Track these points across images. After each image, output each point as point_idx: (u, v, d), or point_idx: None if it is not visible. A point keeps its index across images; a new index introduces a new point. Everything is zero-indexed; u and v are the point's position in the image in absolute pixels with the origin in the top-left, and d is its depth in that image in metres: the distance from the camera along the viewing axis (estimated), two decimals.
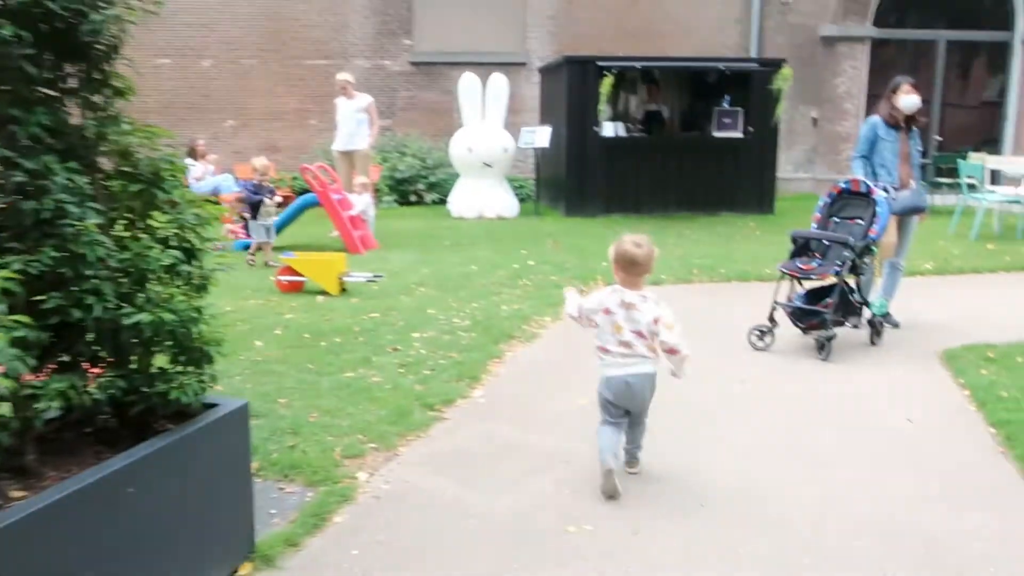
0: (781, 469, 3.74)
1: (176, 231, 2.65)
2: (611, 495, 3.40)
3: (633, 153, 12.70)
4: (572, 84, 12.27)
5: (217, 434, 2.69)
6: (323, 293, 7.06)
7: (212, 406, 2.74)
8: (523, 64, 15.96)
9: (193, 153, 12.70)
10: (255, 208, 8.70)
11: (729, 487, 3.55)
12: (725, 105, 13.31)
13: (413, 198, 14.72)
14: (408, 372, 5.00)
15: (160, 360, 2.64)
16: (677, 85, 14.54)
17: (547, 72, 14.12)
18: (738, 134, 12.79)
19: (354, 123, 11.06)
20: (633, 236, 3.53)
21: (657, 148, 12.89)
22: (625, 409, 3.51)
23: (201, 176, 12.63)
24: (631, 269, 3.47)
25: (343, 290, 7.19)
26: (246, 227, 9.43)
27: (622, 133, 12.97)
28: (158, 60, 15.18)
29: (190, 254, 2.65)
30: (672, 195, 12.68)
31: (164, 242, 2.62)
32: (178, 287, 2.61)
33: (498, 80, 12.81)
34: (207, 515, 2.65)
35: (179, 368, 2.63)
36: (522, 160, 14.88)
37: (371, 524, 3.21)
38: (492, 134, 12.69)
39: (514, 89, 15.94)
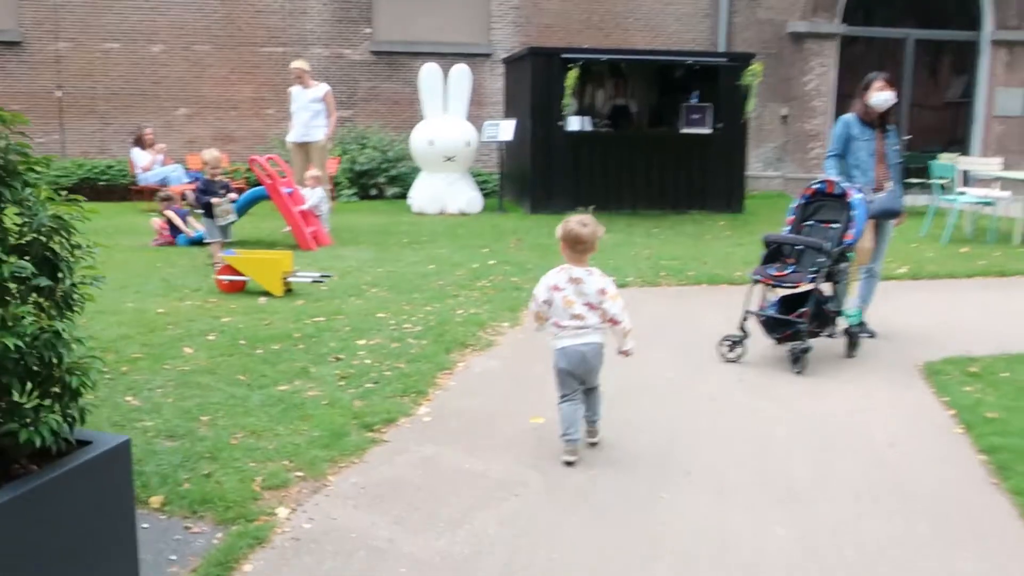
0: (753, 506, 3.36)
1: (34, 236, 2.20)
2: (571, 461, 3.67)
3: (600, 149, 12.34)
4: (536, 76, 11.86)
5: (91, 476, 2.24)
6: (266, 294, 6.59)
7: (87, 443, 2.29)
8: (487, 55, 15.52)
9: (140, 141, 12.12)
10: (207, 208, 7.80)
11: (695, 528, 3.17)
12: (693, 101, 12.98)
13: (374, 192, 14.22)
14: (349, 385, 4.56)
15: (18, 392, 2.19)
16: (645, 79, 14.18)
17: (511, 64, 13.70)
18: (707, 130, 12.47)
19: (310, 113, 10.50)
20: (579, 216, 3.76)
21: (624, 144, 12.53)
22: (580, 379, 3.75)
23: (148, 166, 12.05)
24: (576, 247, 3.71)
25: (288, 291, 6.73)
26: (171, 227, 9.01)
27: (588, 128, 12.59)
28: (106, 44, 14.52)
29: (51, 265, 2.19)
30: (640, 192, 12.33)
31: (19, 250, 2.17)
32: (36, 304, 2.16)
33: (461, 71, 12.37)
34: (78, 571, 2.21)
35: (35, 402, 2.18)
36: (487, 154, 14.45)
37: (285, 574, 2.78)
38: (454, 127, 12.25)
39: (478, 81, 15.51)
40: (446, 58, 13.19)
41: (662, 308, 6.73)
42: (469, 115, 13.34)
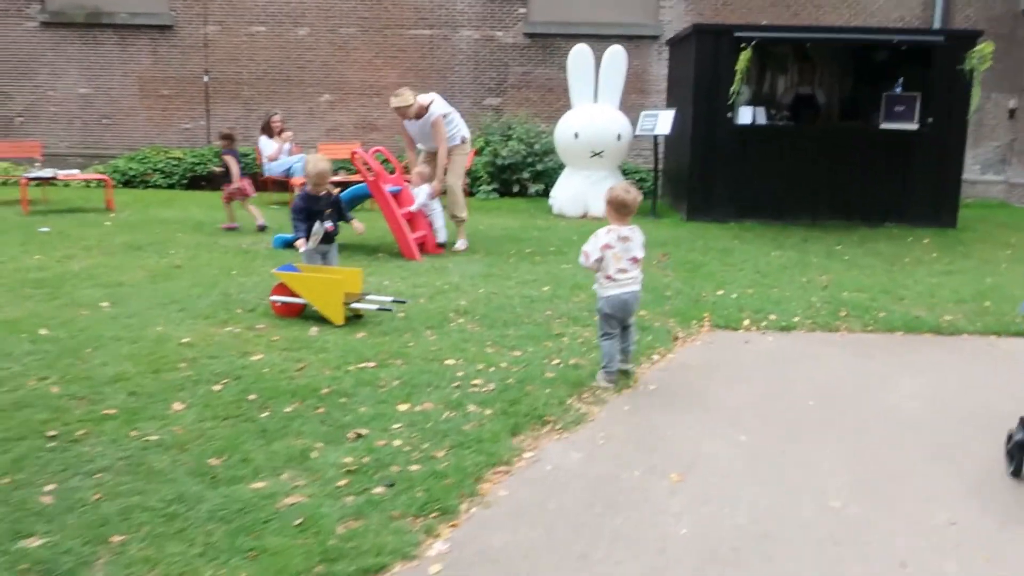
0: None
1: None
2: (611, 385, 4.36)
3: (776, 146, 10.37)
4: (701, 59, 10.06)
5: None
6: (325, 321, 5.34)
7: None
8: (655, 38, 13.80)
9: (268, 129, 11.35)
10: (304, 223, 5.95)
11: None
12: (897, 90, 10.72)
13: (516, 188, 12.89)
14: (350, 488, 3.17)
15: None
16: (837, 63, 11.99)
17: (675, 45, 11.90)
18: (912, 126, 10.21)
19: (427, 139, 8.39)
20: (623, 183, 4.52)
21: (807, 140, 10.46)
22: (622, 320, 4.41)
23: (275, 155, 11.27)
24: (622, 211, 4.37)
25: (358, 316, 5.46)
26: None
27: (763, 120, 10.65)
28: (253, 28, 14.00)
29: None
30: (823, 200, 10.27)
31: None
32: None
33: (615, 53, 10.76)
34: None
35: None
36: (647, 148, 12.78)
37: None
38: (604, 117, 10.69)
39: (643, 67, 13.85)
40: (607, 40, 11.60)
41: (837, 368, 4.92)
42: (629, 104, 11.75)
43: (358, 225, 6.32)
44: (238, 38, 14.01)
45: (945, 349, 5.42)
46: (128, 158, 13.45)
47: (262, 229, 9.05)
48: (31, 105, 14.25)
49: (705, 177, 10.28)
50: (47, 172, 9.89)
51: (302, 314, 5.49)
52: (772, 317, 5.90)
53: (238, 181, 9.29)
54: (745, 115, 10.40)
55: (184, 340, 4.88)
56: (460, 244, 8.18)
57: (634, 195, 4.36)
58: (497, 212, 11.09)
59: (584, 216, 10.67)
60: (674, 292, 6.56)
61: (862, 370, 4.93)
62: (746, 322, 5.80)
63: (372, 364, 4.57)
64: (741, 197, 10.25)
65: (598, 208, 10.62)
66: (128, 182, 13.06)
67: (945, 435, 3.95)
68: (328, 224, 5.87)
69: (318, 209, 5.89)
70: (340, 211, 6.14)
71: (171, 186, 13.06)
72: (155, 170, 13.13)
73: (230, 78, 14.13)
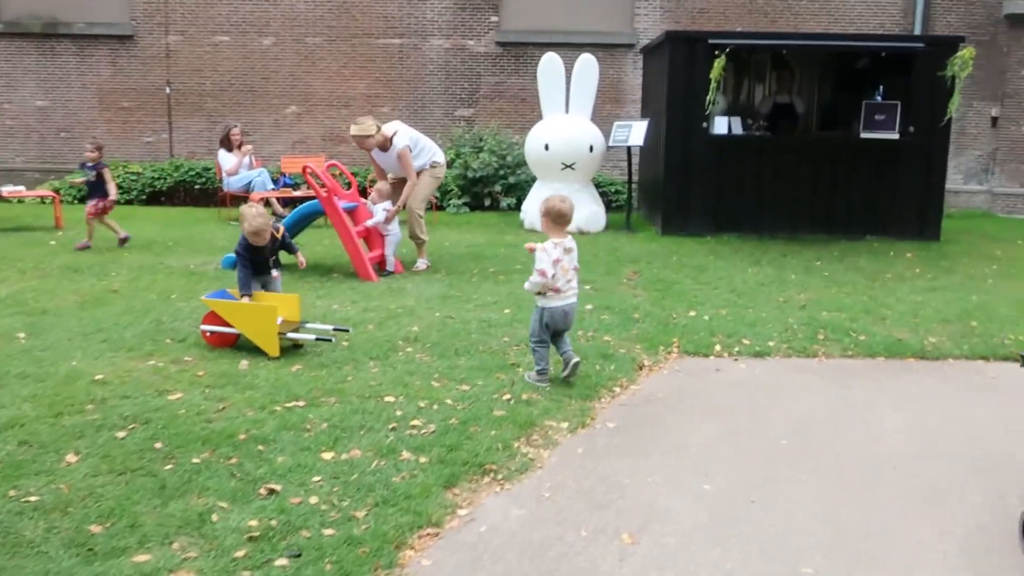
0: None
1: None
2: (546, 384, 4.47)
3: (753, 157, 10.01)
4: (675, 67, 9.70)
5: None
6: (261, 352, 4.91)
7: None
8: (630, 46, 13.45)
9: (227, 142, 10.90)
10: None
11: None
12: (878, 98, 10.41)
13: (488, 202, 12.48)
14: (247, 562, 2.73)
15: None
16: (815, 71, 11.68)
17: (649, 54, 11.56)
18: (893, 135, 9.88)
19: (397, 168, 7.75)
20: (557, 194, 4.57)
21: (785, 151, 10.12)
22: (561, 331, 4.52)
23: (234, 169, 10.83)
24: (560, 221, 4.42)
25: (297, 346, 5.03)
26: None
27: (739, 130, 10.30)
28: (216, 37, 13.55)
29: None
30: (802, 213, 9.92)
31: None
32: None
33: (586, 62, 10.39)
34: None
35: None
36: (622, 159, 12.42)
37: None
38: (575, 129, 10.30)
39: (618, 76, 13.50)
40: (581, 49, 11.22)
41: (814, 399, 4.52)
42: (604, 114, 11.40)
43: (301, 259, 5.77)
44: (201, 48, 13.55)
45: (930, 375, 5.04)
46: (82, 173, 12.93)
47: (125, 240, 8.72)
48: None
49: (680, 189, 9.90)
50: None
51: (236, 344, 5.04)
52: (746, 341, 5.50)
53: (113, 195, 8.84)
54: (721, 125, 10.05)
55: (98, 377, 4.43)
56: (420, 264, 7.75)
57: (570, 204, 4.44)
58: (466, 227, 10.68)
59: None
60: (643, 314, 6.16)
61: (841, 401, 4.54)
62: (717, 347, 5.40)
63: (302, 403, 4.13)
64: (717, 210, 9.88)
65: (571, 223, 10.23)
66: (83, 198, 12.53)
67: (933, 477, 3.56)
68: (275, 272, 5.42)
69: (262, 259, 5.29)
70: (286, 247, 5.64)
71: (129, 202, 12.56)
72: None
73: (193, 89, 13.67)
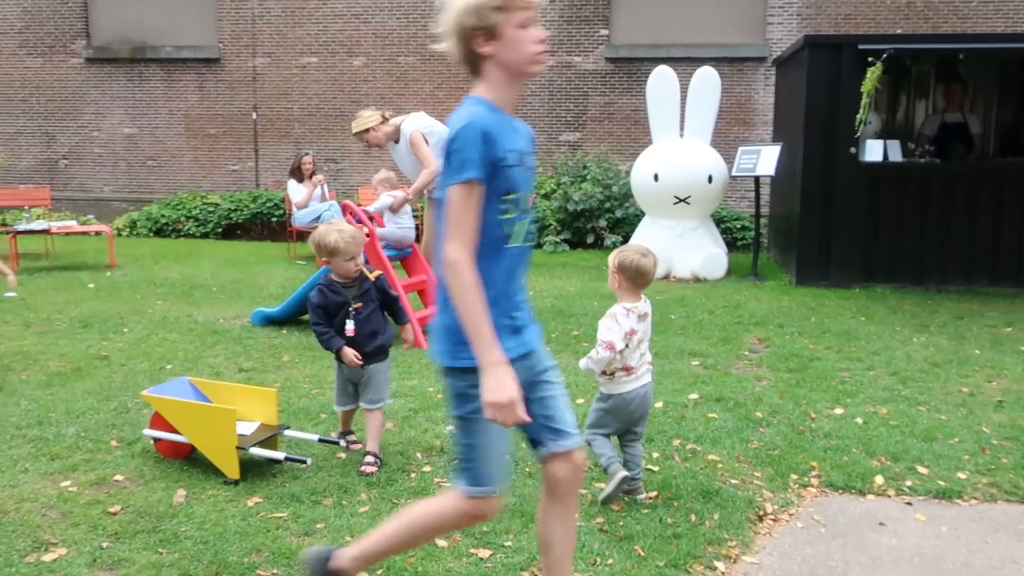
0: None
1: None
2: (610, 502, 3.29)
3: (916, 188, 8.02)
4: (816, 79, 7.90)
5: None
6: (216, 471, 3.53)
7: None
8: (761, 60, 11.67)
9: (298, 172, 9.82)
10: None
11: None
12: None
13: (591, 239, 10.94)
14: None
15: None
16: (994, 83, 9.53)
17: (783, 65, 9.74)
18: None
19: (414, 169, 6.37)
20: (635, 245, 3.44)
21: (957, 181, 8.07)
22: (632, 423, 3.41)
23: (304, 202, 9.72)
24: (639, 280, 3.35)
25: (279, 461, 3.62)
26: None
27: (898, 156, 8.34)
28: (304, 59, 12.63)
29: None
30: (980, 261, 7.88)
31: None
32: None
33: (705, 77, 8.72)
34: None
35: None
36: (750, 189, 10.66)
37: None
38: (691, 156, 8.63)
39: (748, 93, 11.72)
40: (703, 64, 9.54)
41: None
42: (731, 137, 9.68)
43: (410, 335, 3.98)
44: (288, 70, 12.67)
45: None
46: (163, 204, 12.25)
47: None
48: (76, 147, 13.30)
49: (821, 229, 8.05)
50: (38, 224, 8.63)
51: (192, 456, 3.69)
52: (922, 470, 3.73)
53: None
54: (874, 150, 8.13)
55: None
56: None
57: (653, 260, 3.39)
58: (560, 270, 9.16)
59: (667, 278, 8.61)
60: (768, 411, 4.46)
61: None
62: (879, 479, 3.64)
63: None
64: (868, 255, 7.97)
65: (684, 267, 8.57)
66: (159, 230, 11.81)
67: None
68: (349, 326, 3.65)
69: (339, 303, 3.67)
70: (388, 302, 3.82)
71: (205, 235, 11.74)
72: (188, 217, 11.84)
73: (279, 114, 12.79)
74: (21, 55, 13.20)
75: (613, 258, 3.38)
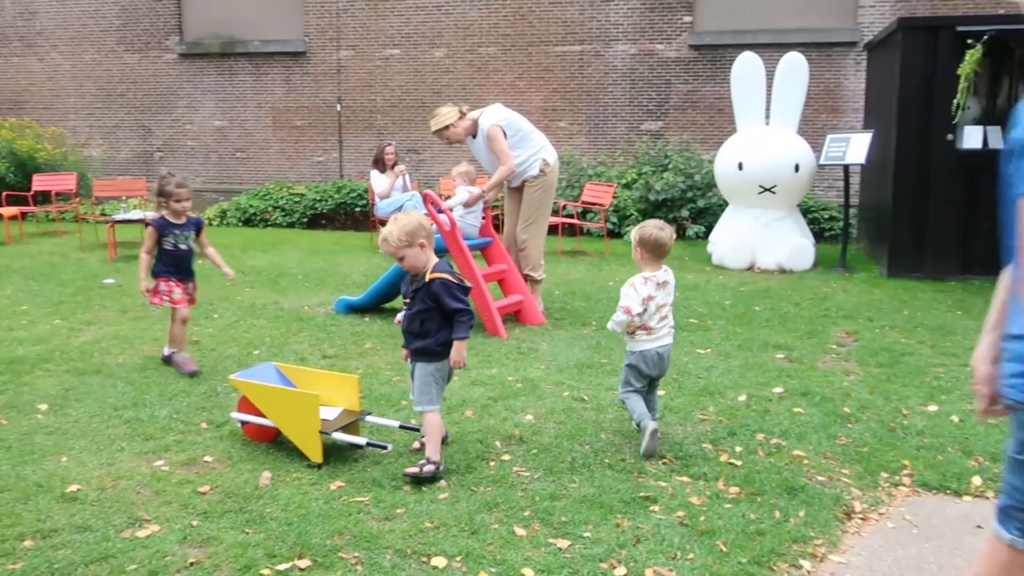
0: None
1: None
2: (651, 454, 3.61)
3: None
4: (910, 63, 7.60)
5: None
6: (300, 454, 3.61)
7: None
8: (851, 44, 11.29)
9: (380, 162, 9.94)
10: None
11: None
12: None
13: (673, 229, 10.77)
14: None
15: None
16: None
17: (875, 50, 9.40)
18: None
19: (492, 163, 6.29)
20: (653, 221, 3.83)
21: None
22: (653, 376, 3.82)
23: (386, 191, 9.84)
24: (658, 252, 3.73)
25: (361, 446, 3.68)
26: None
27: (999, 144, 7.96)
28: (387, 51, 12.79)
29: None
30: None
31: None
32: None
33: (792, 62, 8.50)
34: None
35: None
36: (839, 178, 10.37)
37: None
38: (777, 144, 8.42)
39: (837, 80, 11.37)
40: (790, 49, 9.28)
41: None
42: (819, 125, 9.43)
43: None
44: (371, 62, 12.84)
45: None
46: (251, 194, 12.59)
47: None
48: (170, 139, 13.78)
49: (915, 219, 7.76)
50: (134, 214, 8.97)
51: (274, 440, 3.78)
52: None
53: None
54: (973, 137, 7.80)
55: (71, 488, 3.29)
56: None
57: (669, 232, 3.80)
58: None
59: (751, 269, 8.43)
60: (857, 407, 4.32)
61: None
62: (976, 480, 3.49)
63: (305, 563, 2.76)
64: (966, 246, 7.66)
65: (769, 258, 8.38)
66: (248, 220, 12.14)
67: None
68: (399, 316, 3.55)
69: (405, 293, 3.56)
70: (441, 309, 3.43)
71: (291, 224, 12.02)
72: (275, 207, 12.14)
73: (363, 106, 12.99)
74: (119, 52, 13.74)
75: (635, 233, 3.79)
